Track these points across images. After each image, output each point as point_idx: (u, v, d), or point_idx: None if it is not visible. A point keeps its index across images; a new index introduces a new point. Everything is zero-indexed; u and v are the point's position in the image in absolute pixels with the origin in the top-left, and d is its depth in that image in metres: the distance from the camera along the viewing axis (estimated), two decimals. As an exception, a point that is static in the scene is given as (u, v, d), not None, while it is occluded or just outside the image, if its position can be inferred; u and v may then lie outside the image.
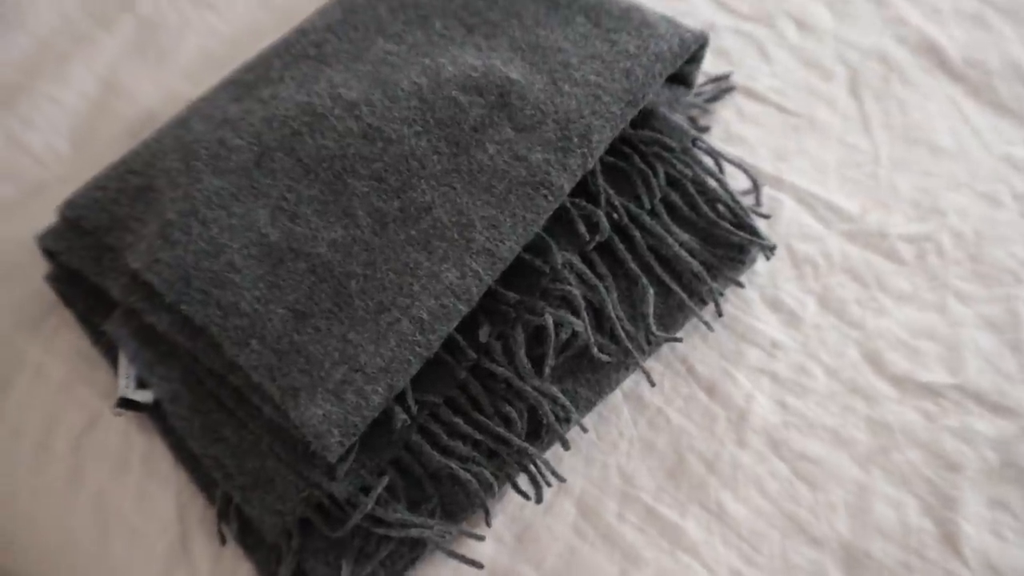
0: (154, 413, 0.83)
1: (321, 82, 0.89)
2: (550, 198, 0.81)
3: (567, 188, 0.82)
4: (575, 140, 0.82)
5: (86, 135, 0.98)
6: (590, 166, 0.83)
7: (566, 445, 0.79)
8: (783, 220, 0.91)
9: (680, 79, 0.93)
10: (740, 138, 0.96)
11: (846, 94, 0.98)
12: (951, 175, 0.93)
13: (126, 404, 0.81)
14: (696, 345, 0.86)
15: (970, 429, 0.82)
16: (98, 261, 0.83)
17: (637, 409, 0.84)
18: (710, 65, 0.99)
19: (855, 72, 0.99)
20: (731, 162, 0.89)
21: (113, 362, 0.84)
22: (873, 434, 0.82)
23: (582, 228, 0.84)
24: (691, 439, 0.83)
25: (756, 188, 0.90)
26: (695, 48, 0.89)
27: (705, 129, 0.96)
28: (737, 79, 0.99)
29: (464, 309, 0.77)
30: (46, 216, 0.87)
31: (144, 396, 0.81)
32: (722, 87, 0.98)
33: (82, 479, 0.83)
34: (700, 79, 0.98)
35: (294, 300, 0.78)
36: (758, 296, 0.88)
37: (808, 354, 0.86)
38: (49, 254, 0.86)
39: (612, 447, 0.83)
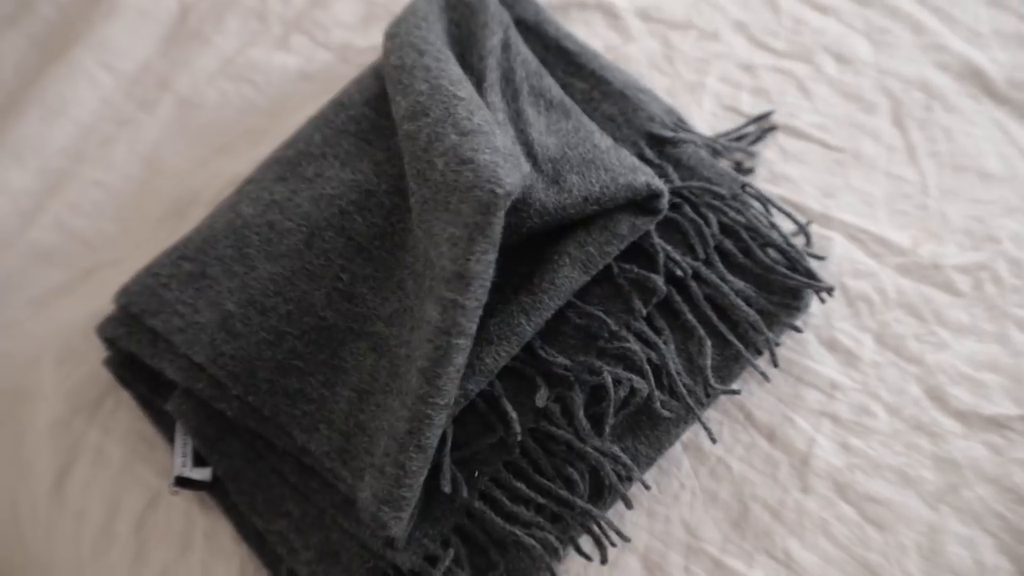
0: (215, 490, 0.84)
1: (364, 161, 0.89)
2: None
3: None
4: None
5: (133, 217, 0.99)
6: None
7: (629, 504, 0.79)
8: (834, 258, 0.90)
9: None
10: (785, 177, 0.94)
11: (890, 125, 0.96)
12: (1003, 200, 0.92)
13: (183, 483, 0.82)
14: (753, 391, 0.85)
15: (1040, 460, 0.80)
16: (153, 344, 0.84)
17: (697, 459, 0.83)
18: (750, 106, 0.98)
19: (897, 102, 0.97)
20: (779, 208, 0.89)
21: (172, 441, 0.85)
22: (941, 472, 0.81)
23: (637, 303, 0.83)
24: (754, 487, 0.81)
25: (806, 234, 0.89)
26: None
27: (749, 171, 0.95)
28: (778, 118, 0.97)
29: (459, 343, 0.71)
30: (98, 300, 0.89)
31: (201, 474, 0.82)
32: (763, 127, 0.97)
33: (146, 559, 0.83)
34: (740, 120, 0.98)
35: (357, 380, 0.79)
36: (814, 337, 0.87)
37: (868, 393, 0.84)
38: (108, 341, 0.87)
39: (674, 499, 0.82)
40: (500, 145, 0.75)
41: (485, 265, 0.71)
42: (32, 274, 0.96)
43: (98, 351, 0.88)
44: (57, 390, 0.90)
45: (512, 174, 0.72)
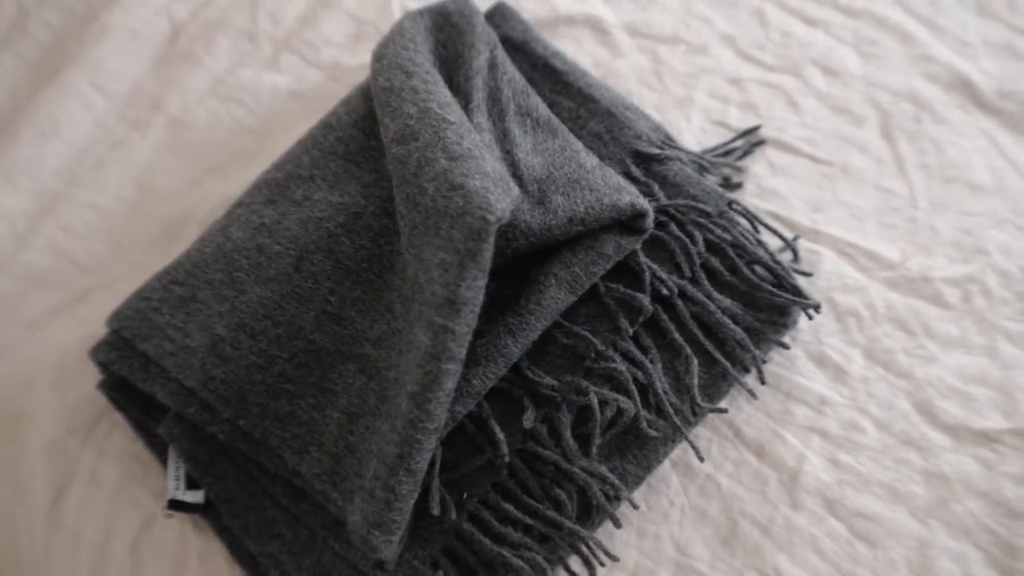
0: (209, 512, 0.84)
1: (352, 183, 0.89)
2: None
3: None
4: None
5: (126, 239, 0.99)
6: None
7: (617, 523, 0.79)
8: (823, 273, 0.90)
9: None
10: (773, 192, 0.94)
11: (878, 137, 0.96)
12: (992, 212, 0.92)
13: (176, 506, 0.82)
14: (742, 407, 0.85)
15: (1030, 474, 0.80)
16: (145, 368, 0.84)
17: (687, 477, 0.83)
18: (738, 120, 0.98)
19: (886, 114, 0.97)
20: (766, 225, 0.89)
21: (165, 463, 0.86)
22: (930, 486, 0.81)
23: (624, 323, 0.84)
24: (743, 504, 0.82)
25: (793, 250, 0.89)
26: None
27: (738, 186, 0.95)
28: (766, 131, 0.97)
29: (449, 367, 0.71)
30: (91, 322, 0.89)
31: (195, 496, 0.82)
32: (751, 141, 0.96)
33: (141, 581, 0.84)
34: (729, 135, 0.97)
35: (347, 402, 0.79)
36: (803, 352, 0.87)
37: (858, 408, 0.84)
38: (100, 365, 0.87)
39: (663, 517, 0.82)
40: (490, 170, 0.75)
41: (475, 291, 0.70)
42: (26, 296, 0.96)
43: (93, 373, 0.88)
44: (52, 412, 0.90)
45: (502, 199, 0.72)
